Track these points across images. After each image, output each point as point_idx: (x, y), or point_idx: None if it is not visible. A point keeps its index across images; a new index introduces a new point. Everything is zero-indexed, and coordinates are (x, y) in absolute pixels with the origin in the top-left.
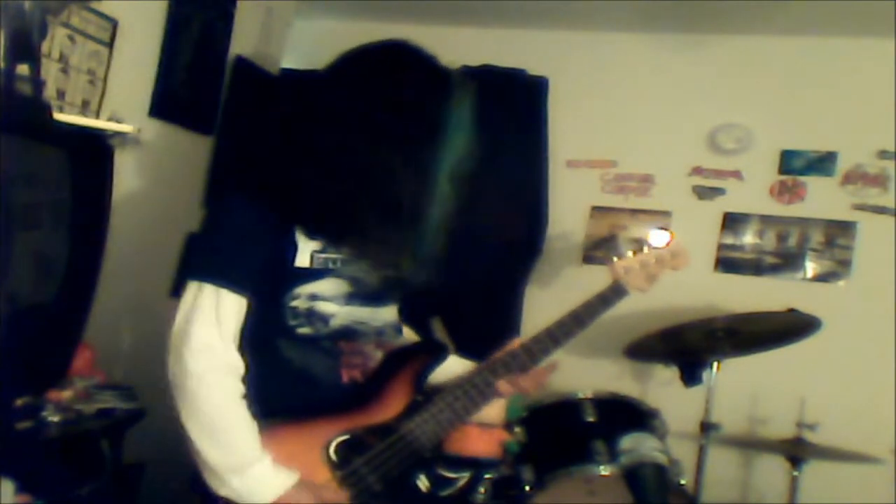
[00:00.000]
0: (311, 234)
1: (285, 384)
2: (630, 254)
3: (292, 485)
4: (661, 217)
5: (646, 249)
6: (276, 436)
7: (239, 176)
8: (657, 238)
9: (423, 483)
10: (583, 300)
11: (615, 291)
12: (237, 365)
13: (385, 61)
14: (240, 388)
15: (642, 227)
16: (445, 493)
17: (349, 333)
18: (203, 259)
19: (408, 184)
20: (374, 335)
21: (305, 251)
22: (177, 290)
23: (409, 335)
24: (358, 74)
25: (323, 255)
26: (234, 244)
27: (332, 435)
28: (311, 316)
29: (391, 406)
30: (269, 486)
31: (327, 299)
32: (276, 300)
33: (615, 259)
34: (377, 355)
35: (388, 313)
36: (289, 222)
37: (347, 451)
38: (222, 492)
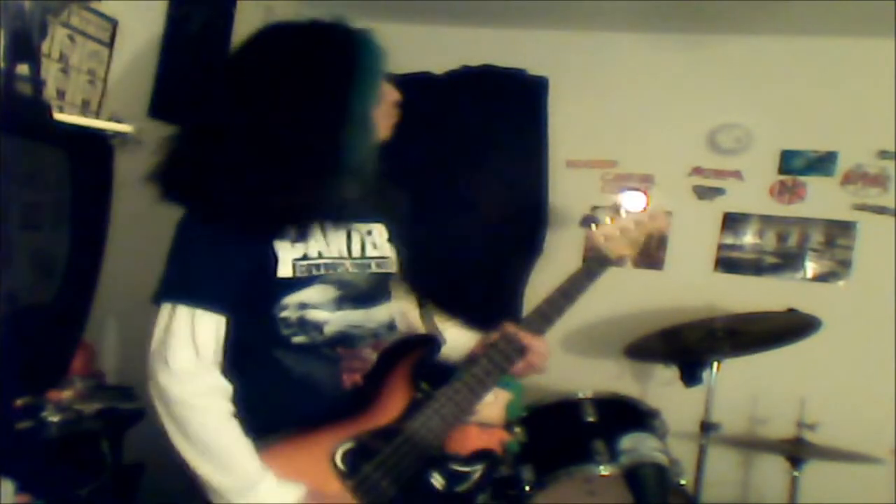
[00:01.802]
0: (281, 226)
1: (287, 394)
2: (608, 221)
3: (302, 495)
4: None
5: (623, 214)
6: (281, 452)
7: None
8: (632, 201)
9: (437, 481)
10: (566, 275)
11: (598, 261)
12: (222, 385)
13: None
14: (229, 408)
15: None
16: (462, 488)
17: (346, 339)
18: (174, 279)
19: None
20: (370, 338)
21: (286, 261)
22: (157, 300)
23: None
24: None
25: (305, 263)
26: (205, 261)
27: (337, 444)
28: (304, 325)
29: (392, 407)
30: (280, 502)
31: (317, 307)
32: (264, 312)
33: (593, 227)
34: (374, 357)
35: (380, 313)
36: (258, 229)
37: (355, 459)
38: None
